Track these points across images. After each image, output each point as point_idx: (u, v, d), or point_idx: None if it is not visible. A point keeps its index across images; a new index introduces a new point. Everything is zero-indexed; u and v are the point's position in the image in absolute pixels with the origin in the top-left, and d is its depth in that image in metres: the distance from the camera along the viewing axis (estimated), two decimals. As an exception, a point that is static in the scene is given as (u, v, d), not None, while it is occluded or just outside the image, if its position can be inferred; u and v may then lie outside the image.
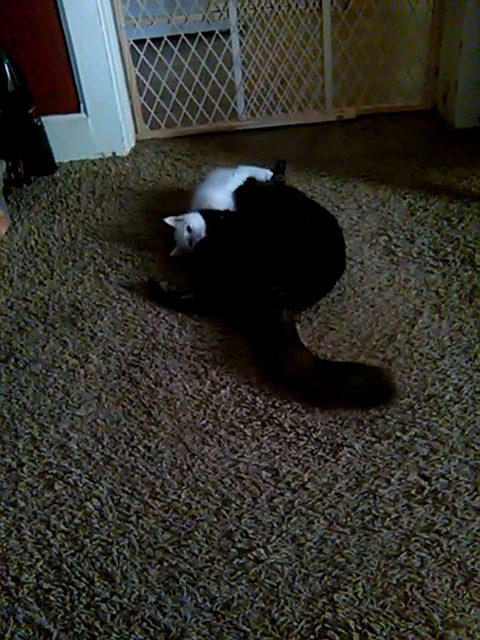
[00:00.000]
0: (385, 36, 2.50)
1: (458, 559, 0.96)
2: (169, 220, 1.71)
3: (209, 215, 1.68)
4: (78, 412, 1.30)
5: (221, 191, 1.80)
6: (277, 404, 1.26)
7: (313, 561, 0.98)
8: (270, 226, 1.53)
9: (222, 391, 1.31)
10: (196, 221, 1.66)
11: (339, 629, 0.89)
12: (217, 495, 1.10)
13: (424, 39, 2.43)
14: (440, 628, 0.88)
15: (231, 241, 1.57)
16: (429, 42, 2.42)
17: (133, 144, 2.52)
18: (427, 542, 0.99)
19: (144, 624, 0.92)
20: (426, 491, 1.06)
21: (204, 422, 1.24)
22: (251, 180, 1.79)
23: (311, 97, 2.53)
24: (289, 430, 1.20)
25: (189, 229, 1.66)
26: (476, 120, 2.31)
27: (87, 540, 1.05)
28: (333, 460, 1.13)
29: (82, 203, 2.12)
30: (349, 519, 1.03)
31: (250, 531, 1.03)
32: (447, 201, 1.89)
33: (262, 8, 2.40)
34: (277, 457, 1.15)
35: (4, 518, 1.10)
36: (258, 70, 2.50)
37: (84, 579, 0.99)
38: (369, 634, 0.88)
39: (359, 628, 0.89)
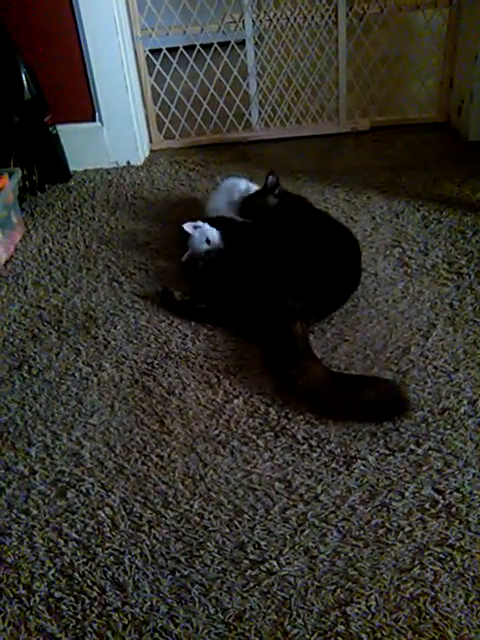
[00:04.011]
0: (400, 48, 2.51)
1: (472, 574, 0.95)
2: (187, 226, 1.70)
3: (227, 224, 1.67)
4: (91, 420, 1.30)
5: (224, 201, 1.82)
6: (290, 415, 1.26)
7: (326, 574, 0.97)
8: (286, 238, 1.53)
9: (235, 401, 1.31)
10: (215, 232, 1.66)
11: (352, 643, 0.89)
12: (230, 506, 1.09)
13: (439, 52, 2.44)
14: (454, 644, 0.88)
15: (246, 252, 1.57)
16: (444, 55, 2.42)
17: (147, 153, 2.53)
18: (440, 556, 0.98)
19: (156, 634, 0.92)
20: (440, 505, 1.06)
21: (217, 432, 1.24)
22: (263, 191, 1.77)
23: (325, 108, 2.54)
24: (302, 441, 1.20)
25: (208, 241, 1.66)
26: (491, 133, 2.31)
27: (99, 549, 1.05)
28: (346, 472, 1.13)
29: (96, 211, 2.13)
30: (362, 532, 1.03)
31: (263, 543, 1.03)
32: (461, 214, 1.89)
33: (277, 19, 2.41)
34: (290, 468, 1.15)
35: (16, 526, 1.10)
36: (273, 81, 2.51)
37: (96, 588, 0.99)
38: (382, 649, 0.88)
39: (372, 642, 0.89)
